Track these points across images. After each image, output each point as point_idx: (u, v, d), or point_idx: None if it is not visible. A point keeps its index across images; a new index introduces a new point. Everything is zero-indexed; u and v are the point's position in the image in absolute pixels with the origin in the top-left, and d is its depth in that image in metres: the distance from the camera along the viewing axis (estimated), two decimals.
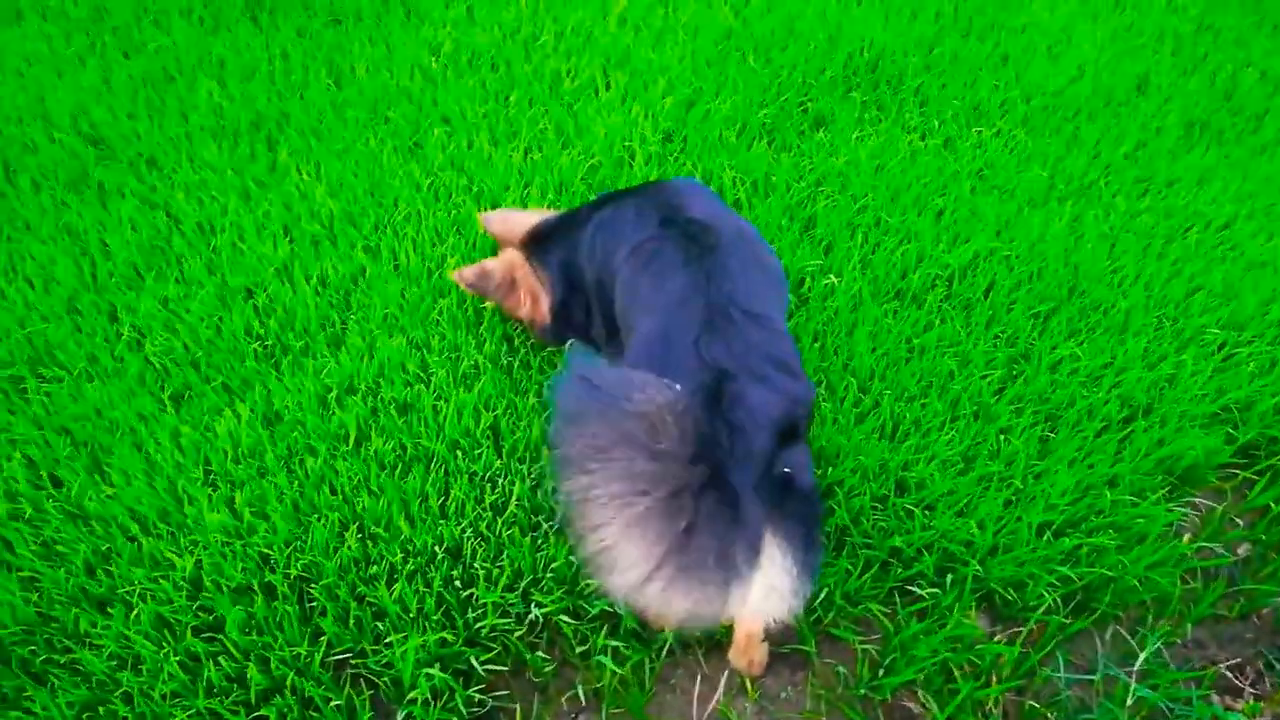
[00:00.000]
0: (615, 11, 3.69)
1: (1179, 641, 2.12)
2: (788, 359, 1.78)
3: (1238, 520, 2.32)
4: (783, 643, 1.99)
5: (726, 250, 1.92)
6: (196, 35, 3.58)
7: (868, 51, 3.56)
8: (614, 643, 1.91)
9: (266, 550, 1.97)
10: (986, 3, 4.00)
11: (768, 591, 1.52)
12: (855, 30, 3.65)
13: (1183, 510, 2.29)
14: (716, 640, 1.99)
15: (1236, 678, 2.08)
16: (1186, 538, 2.24)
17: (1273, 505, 2.29)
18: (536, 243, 2.35)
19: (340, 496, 2.07)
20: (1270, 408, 2.44)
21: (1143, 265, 2.80)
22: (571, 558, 1.98)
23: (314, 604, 1.92)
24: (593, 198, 2.66)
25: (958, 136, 3.26)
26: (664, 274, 1.90)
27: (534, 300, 2.34)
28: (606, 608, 1.93)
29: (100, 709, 1.75)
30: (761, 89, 3.33)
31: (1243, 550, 2.31)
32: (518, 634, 1.92)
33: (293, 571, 1.95)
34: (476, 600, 1.93)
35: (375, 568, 1.96)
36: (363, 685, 1.88)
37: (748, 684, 1.95)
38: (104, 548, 1.99)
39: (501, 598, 1.93)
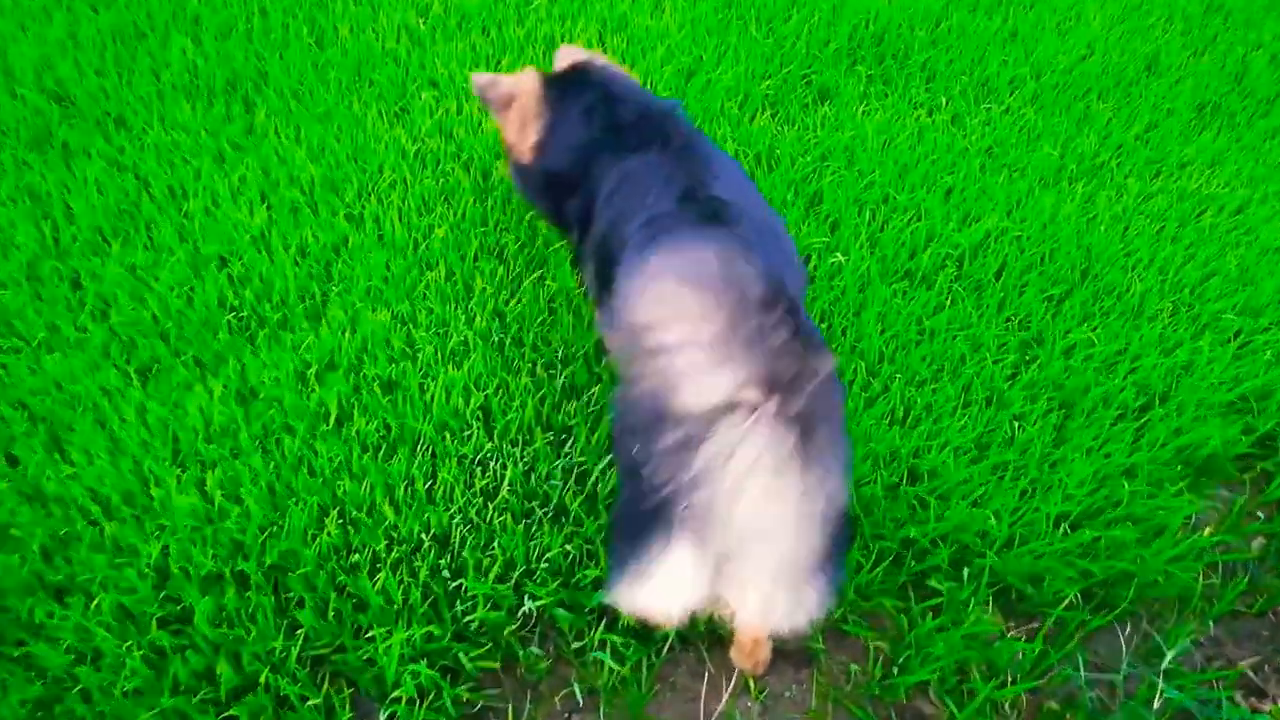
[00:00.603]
0: None
1: (1199, 640, 2.04)
2: None
3: (1258, 514, 2.25)
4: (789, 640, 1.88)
5: (747, 231, 1.77)
6: None
7: (873, 24, 3.44)
8: (612, 637, 1.81)
9: (239, 536, 1.85)
10: None
11: (789, 609, 1.43)
12: (860, 2, 3.53)
13: (1203, 502, 2.21)
14: (718, 636, 1.89)
15: (1256, 677, 2.00)
16: (1207, 530, 2.16)
17: None
18: (564, 83, 2.16)
19: (319, 479, 1.95)
20: None
21: (1156, 248, 2.72)
22: (567, 547, 1.87)
23: (290, 595, 1.80)
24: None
25: (966, 113, 3.15)
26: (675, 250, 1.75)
27: (522, 126, 2.15)
28: (603, 601, 1.82)
29: (55, 707, 1.63)
30: (764, 59, 3.20)
31: (1256, 544, 2.24)
32: (509, 628, 1.81)
33: (267, 559, 1.83)
34: (465, 592, 1.82)
35: (357, 556, 1.84)
36: (342, 683, 1.76)
37: (751, 684, 1.85)
38: (62, 531, 1.86)
39: (492, 589, 1.81)
